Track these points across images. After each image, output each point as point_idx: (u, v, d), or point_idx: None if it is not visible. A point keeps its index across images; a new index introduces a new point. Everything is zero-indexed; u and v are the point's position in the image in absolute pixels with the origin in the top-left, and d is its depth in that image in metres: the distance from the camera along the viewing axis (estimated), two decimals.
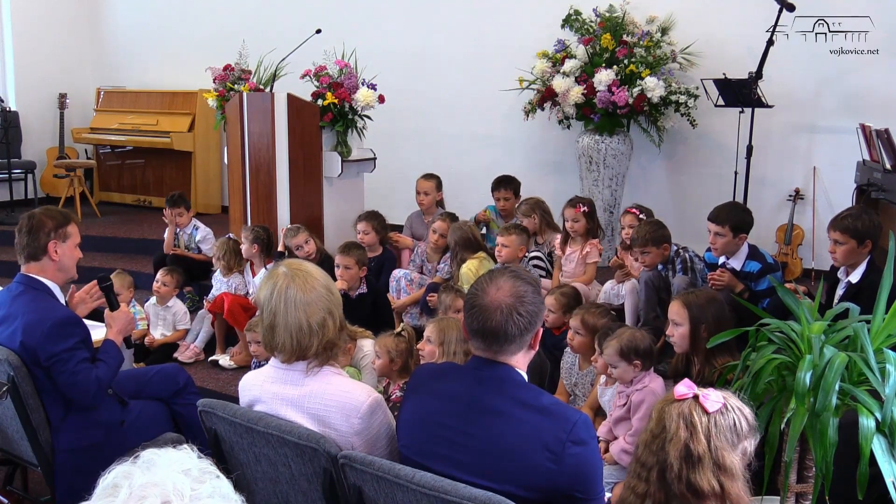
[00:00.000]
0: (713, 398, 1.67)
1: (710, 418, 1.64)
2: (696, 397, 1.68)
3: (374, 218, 4.99)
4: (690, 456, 1.61)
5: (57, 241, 2.94)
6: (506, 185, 5.34)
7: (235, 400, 2.34)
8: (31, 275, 2.95)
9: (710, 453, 1.61)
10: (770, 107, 5.26)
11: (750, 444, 1.68)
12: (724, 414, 1.65)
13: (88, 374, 2.85)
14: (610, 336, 3.14)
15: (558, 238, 4.78)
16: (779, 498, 2.28)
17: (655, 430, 1.69)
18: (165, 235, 5.66)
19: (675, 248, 4.22)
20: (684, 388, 1.71)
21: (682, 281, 4.04)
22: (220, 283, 5.01)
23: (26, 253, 2.94)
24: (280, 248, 4.90)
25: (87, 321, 3.07)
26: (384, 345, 3.37)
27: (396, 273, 4.89)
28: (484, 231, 5.28)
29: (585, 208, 4.58)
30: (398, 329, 3.50)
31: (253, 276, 4.92)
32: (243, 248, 4.91)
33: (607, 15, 5.75)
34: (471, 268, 4.43)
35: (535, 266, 4.67)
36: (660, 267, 4.19)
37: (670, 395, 1.72)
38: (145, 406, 3.21)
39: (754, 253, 4.00)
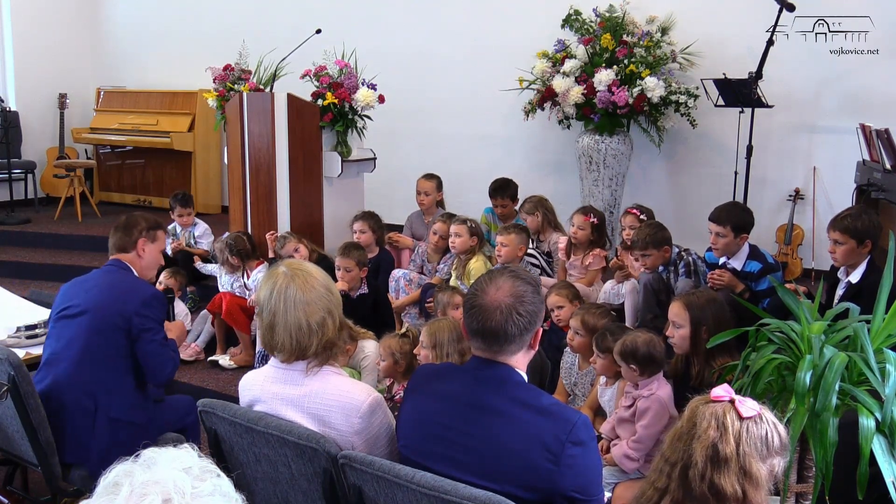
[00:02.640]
0: (749, 405, 1.65)
1: (742, 424, 1.62)
2: (731, 401, 1.66)
3: (370, 217, 4.99)
4: (717, 456, 1.60)
5: (146, 239, 3.15)
6: (502, 192, 5.28)
7: (235, 400, 2.34)
8: (121, 259, 3.12)
9: (738, 458, 1.60)
10: (770, 107, 5.26)
11: (779, 463, 1.66)
12: (757, 423, 1.64)
13: (168, 352, 3.01)
14: (618, 336, 3.14)
15: (562, 241, 4.78)
16: (779, 498, 2.28)
17: (685, 427, 1.67)
18: (170, 238, 5.68)
19: (678, 250, 4.21)
20: (721, 391, 1.69)
21: (686, 285, 4.03)
22: (227, 280, 5.03)
23: (118, 245, 3.13)
24: (271, 255, 4.89)
25: None
26: (388, 346, 3.37)
27: (395, 273, 4.89)
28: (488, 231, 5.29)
29: (595, 220, 4.57)
30: (402, 330, 3.50)
31: (247, 279, 4.93)
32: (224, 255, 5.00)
33: (607, 15, 5.75)
34: (481, 265, 4.49)
35: (529, 264, 4.69)
36: (661, 269, 4.18)
37: (706, 396, 1.70)
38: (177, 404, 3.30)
39: (755, 253, 4.00)
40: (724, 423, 1.62)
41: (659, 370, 3.07)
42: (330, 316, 2.17)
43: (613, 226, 5.75)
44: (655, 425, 2.98)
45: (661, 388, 3.03)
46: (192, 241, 5.68)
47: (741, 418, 1.63)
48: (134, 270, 3.13)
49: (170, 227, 5.73)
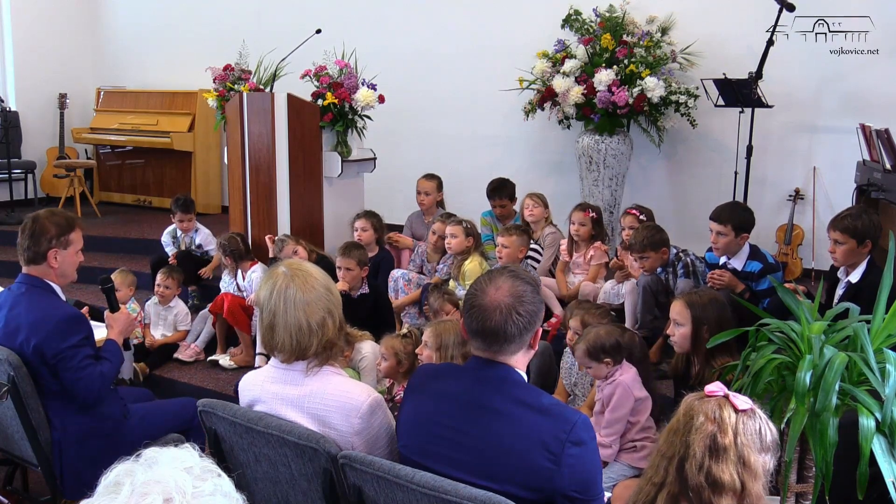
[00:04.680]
0: (742, 399, 1.70)
1: (738, 416, 1.67)
2: (726, 396, 1.71)
3: (372, 216, 5.00)
4: (716, 447, 1.63)
5: (58, 248, 2.93)
6: (500, 192, 5.29)
7: (235, 400, 2.34)
8: (32, 275, 2.96)
9: (736, 448, 1.64)
10: (770, 107, 5.26)
11: (770, 460, 1.69)
12: (751, 417, 1.68)
13: (93, 371, 2.88)
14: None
15: (563, 242, 4.82)
16: (779, 498, 2.28)
17: (681, 422, 1.70)
18: (168, 240, 5.65)
19: (675, 251, 4.21)
20: (715, 386, 1.73)
21: (686, 285, 4.04)
22: (228, 282, 5.02)
23: (26, 256, 2.95)
24: (271, 255, 4.89)
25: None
26: (391, 346, 3.36)
27: (395, 273, 4.89)
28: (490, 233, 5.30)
29: (594, 214, 4.63)
30: (403, 330, 3.49)
31: (243, 280, 4.92)
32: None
33: (607, 15, 5.75)
34: (477, 266, 4.48)
35: (530, 260, 4.71)
36: (659, 270, 4.18)
37: (700, 392, 1.74)
38: (151, 404, 3.25)
39: (755, 253, 4.00)
40: (721, 415, 1.66)
41: (624, 355, 3.13)
42: (330, 316, 2.16)
43: (613, 226, 5.75)
44: (621, 408, 3.03)
45: (624, 374, 3.09)
46: (194, 247, 5.65)
47: (737, 411, 1.67)
48: (48, 281, 2.95)
49: (170, 228, 5.72)
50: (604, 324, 3.34)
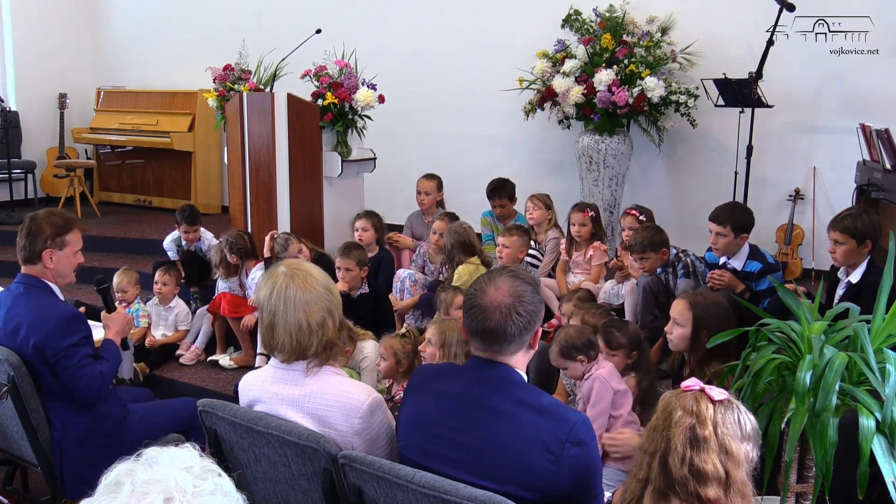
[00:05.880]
0: (718, 390, 1.73)
1: (715, 407, 1.69)
2: (701, 389, 1.73)
3: (372, 216, 5.00)
4: (696, 438, 1.66)
5: (53, 249, 2.93)
6: (500, 192, 5.27)
7: (235, 400, 2.34)
8: (30, 274, 2.97)
9: (717, 437, 1.66)
10: (770, 107, 5.26)
11: (752, 449, 1.71)
12: (728, 407, 1.71)
13: (93, 370, 2.88)
14: (623, 330, 3.19)
15: (562, 242, 4.82)
16: (779, 498, 2.28)
17: (660, 419, 1.73)
18: (171, 246, 5.60)
19: (675, 251, 4.21)
20: (691, 381, 1.77)
21: (686, 285, 4.05)
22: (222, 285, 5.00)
23: (23, 256, 2.95)
24: (267, 254, 4.84)
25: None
26: (390, 346, 3.36)
27: (401, 273, 4.87)
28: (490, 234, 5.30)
29: (592, 213, 4.64)
30: (403, 330, 3.49)
31: (247, 277, 4.91)
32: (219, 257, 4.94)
33: (607, 15, 5.75)
34: (466, 272, 4.43)
35: (528, 265, 4.71)
36: (659, 270, 4.18)
37: (676, 389, 1.77)
38: (151, 404, 3.25)
39: (755, 253, 4.00)
40: (698, 408, 1.69)
41: (598, 351, 3.13)
42: (330, 316, 2.17)
43: (613, 226, 5.75)
44: (601, 402, 3.01)
45: (600, 369, 3.08)
46: (199, 254, 5.58)
47: (713, 402, 1.70)
48: (46, 281, 2.95)
49: (173, 235, 5.55)
50: (618, 320, 3.35)
